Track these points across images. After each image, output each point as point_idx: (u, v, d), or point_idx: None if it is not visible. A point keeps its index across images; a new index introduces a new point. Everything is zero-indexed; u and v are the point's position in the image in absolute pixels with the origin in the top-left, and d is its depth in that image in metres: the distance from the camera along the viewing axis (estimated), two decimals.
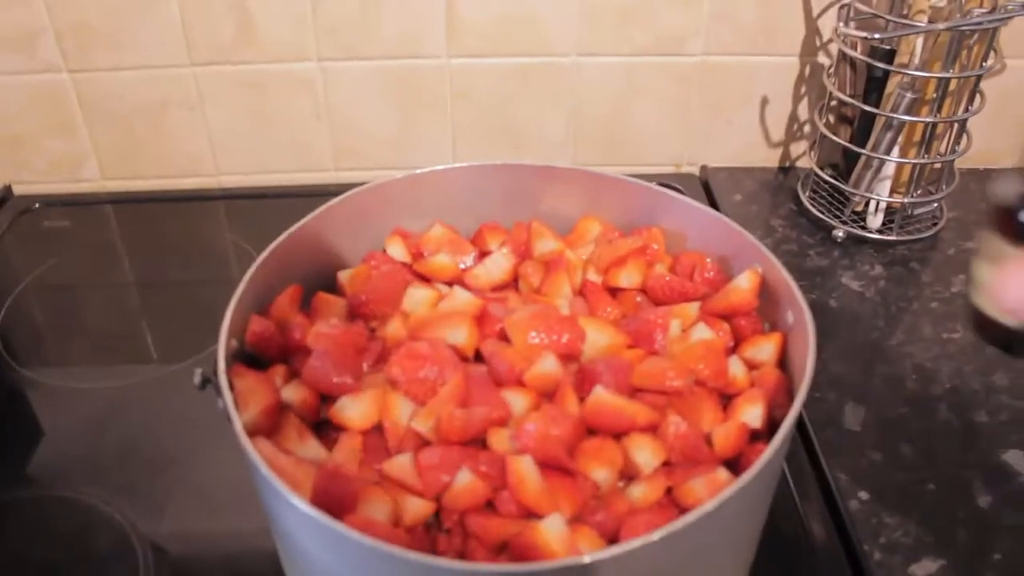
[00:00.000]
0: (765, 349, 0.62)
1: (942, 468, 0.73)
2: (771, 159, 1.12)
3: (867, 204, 0.99)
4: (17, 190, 1.12)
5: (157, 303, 0.97)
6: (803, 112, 1.08)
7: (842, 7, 0.91)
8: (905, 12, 0.90)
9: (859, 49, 0.93)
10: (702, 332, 0.62)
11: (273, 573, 0.62)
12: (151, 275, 1.01)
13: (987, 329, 0.53)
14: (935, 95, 0.90)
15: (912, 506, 0.70)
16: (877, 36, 0.86)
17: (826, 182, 1.03)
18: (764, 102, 1.07)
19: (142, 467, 0.76)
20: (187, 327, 0.92)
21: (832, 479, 0.72)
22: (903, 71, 0.89)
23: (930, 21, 0.88)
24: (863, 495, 0.71)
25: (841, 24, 0.90)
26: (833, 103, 1.01)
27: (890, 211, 0.99)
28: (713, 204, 1.05)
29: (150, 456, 0.77)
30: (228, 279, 0.99)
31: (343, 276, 0.67)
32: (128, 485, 0.74)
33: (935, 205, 1.01)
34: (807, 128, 1.10)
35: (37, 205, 1.10)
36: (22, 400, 0.84)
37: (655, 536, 0.45)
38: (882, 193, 0.97)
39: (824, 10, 1.00)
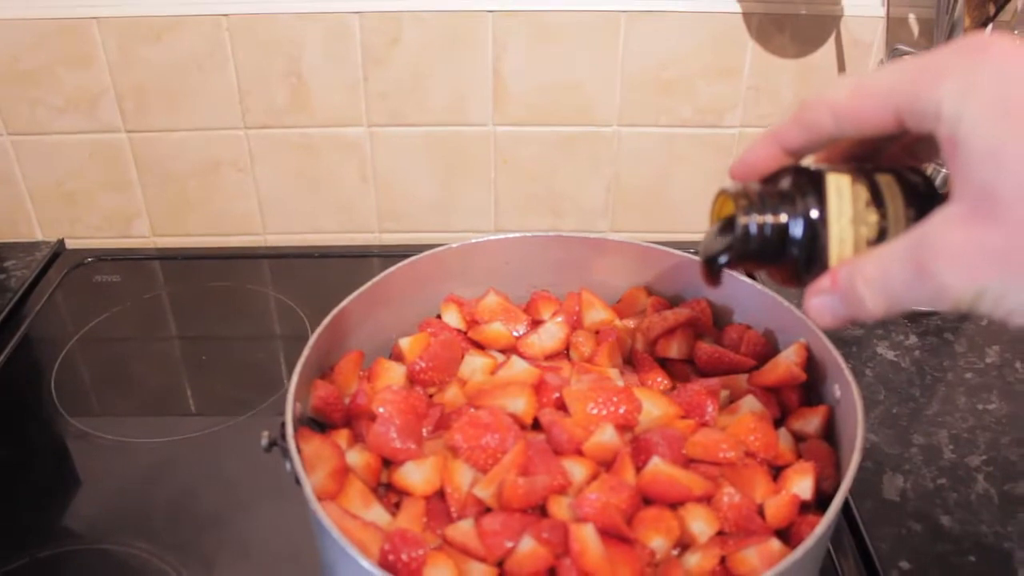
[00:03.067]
0: (812, 422, 0.64)
1: (982, 540, 0.74)
2: None
3: None
4: (69, 244, 1.16)
5: (204, 359, 0.99)
6: None
7: None
8: None
9: None
10: (752, 404, 0.63)
11: None
12: (197, 331, 1.04)
13: None
14: None
15: None
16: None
17: None
18: None
19: (190, 522, 0.77)
20: (233, 384, 0.94)
21: (873, 549, 0.73)
22: None
23: None
24: (904, 565, 0.72)
25: None
26: None
27: None
28: (750, 273, 1.07)
29: (198, 511, 0.78)
30: (272, 336, 1.02)
31: (403, 343, 0.69)
32: (177, 540, 0.75)
33: None
34: None
35: (89, 259, 1.13)
36: (74, 452, 0.86)
37: None
38: None
39: None
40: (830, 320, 0.46)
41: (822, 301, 0.46)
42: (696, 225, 1.14)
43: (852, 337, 0.97)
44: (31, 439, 0.87)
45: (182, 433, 0.86)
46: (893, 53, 0.94)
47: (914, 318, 0.99)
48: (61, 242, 1.15)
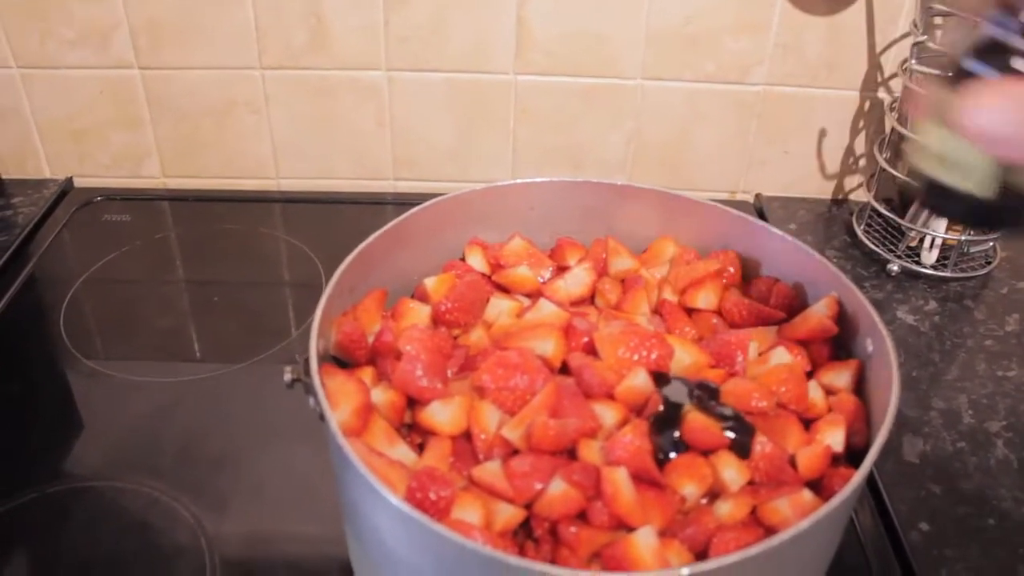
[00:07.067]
0: (843, 376, 0.63)
1: (1002, 504, 0.73)
2: (824, 191, 1.13)
3: (922, 240, 1.00)
4: (78, 182, 1.14)
5: (214, 301, 0.98)
6: (859, 146, 1.09)
7: (914, 44, 0.91)
8: None
9: (923, 86, 0.94)
10: (782, 356, 0.62)
11: (339, 570, 0.64)
12: (207, 274, 1.02)
13: (945, 201, 0.51)
14: None
15: (973, 540, 0.70)
16: (951, 73, 0.87)
17: (882, 216, 1.03)
18: (822, 134, 1.08)
19: (200, 462, 0.77)
20: (242, 328, 0.93)
21: (893, 510, 0.73)
22: None
23: None
24: (924, 527, 0.71)
25: (914, 60, 0.91)
26: (893, 138, 1.01)
27: (945, 248, 1.00)
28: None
29: (209, 451, 0.77)
30: (283, 281, 1.01)
31: (429, 283, 0.67)
32: (187, 479, 0.74)
33: (990, 244, 1.02)
34: (862, 162, 1.11)
35: (98, 198, 1.11)
36: (84, 390, 0.85)
37: (754, 551, 0.45)
38: (939, 230, 0.98)
39: (887, 47, 1.02)
40: None
41: None
42: (716, 183, 1.12)
43: (872, 300, 0.95)
44: (40, 376, 0.86)
45: (191, 375, 0.85)
46: (927, 12, 0.92)
47: (934, 284, 0.99)
48: (69, 180, 1.14)
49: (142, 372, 0.85)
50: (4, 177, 1.13)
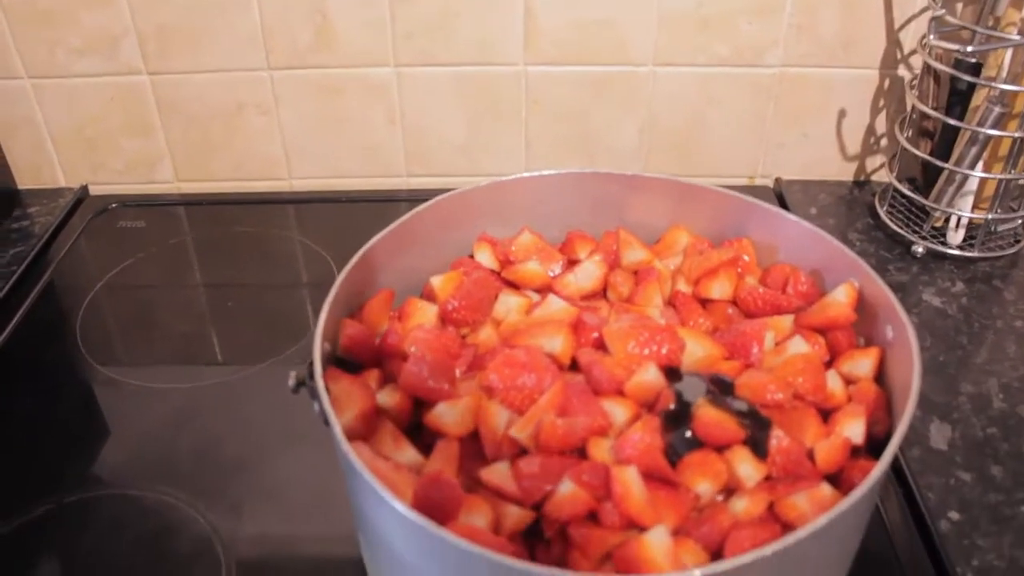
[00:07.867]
0: (863, 364, 0.61)
1: None
2: (845, 172, 1.11)
3: (947, 219, 0.98)
4: (93, 190, 1.14)
5: (230, 305, 0.97)
6: (880, 125, 1.07)
7: (932, 19, 0.89)
8: (992, 24, 0.88)
9: (943, 61, 0.92)
10: (798, 345, 0.60)
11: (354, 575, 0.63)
12: (223, 277, 1.02)
13: None
14: None
15: (1006, 528, 0.68)
16: (970, 49, 0.84)
17: (905, 196, 1.01)
18: (841, 115, 1.06)
19: (217, 468, 0.76)
20: (259, 330, 0.93)
21: (921, 499, 0.71)
22: (992, 84, 0.87)
23: (1020, 33, 0.86)
24: (953, 515, 0.69)
25: (932, 36, 0.88)
26: (914, 116, 0.99)
27: (971, 227, 0.97)
28: None
29: (225, 457, 0.77)
30: (299, 282, 1.00)
31: (435, 281, 0.66)
32: (204, 485, 0.74)
33: (1018, 222, 0.99)
34: (884, 142, 1.08)
35: (113, 205, 1.11)
36: (100, 398, 0.84)
37: (768, 551, 0.44)
38: (964, 208, 0.95)
39: (906, 23, 0.99)
40: None
41: None
42: (734, 168, 1.10)
43: (897, 283, 0.94)
44: (57, 385, 0.86)
45: (208, 379, 0.85)
46: None
47: (960, 264, 0.96)
48: (84, 188, 1.14)
49: (159, 378, 0.85)
50: (20, 187, 1.14)
